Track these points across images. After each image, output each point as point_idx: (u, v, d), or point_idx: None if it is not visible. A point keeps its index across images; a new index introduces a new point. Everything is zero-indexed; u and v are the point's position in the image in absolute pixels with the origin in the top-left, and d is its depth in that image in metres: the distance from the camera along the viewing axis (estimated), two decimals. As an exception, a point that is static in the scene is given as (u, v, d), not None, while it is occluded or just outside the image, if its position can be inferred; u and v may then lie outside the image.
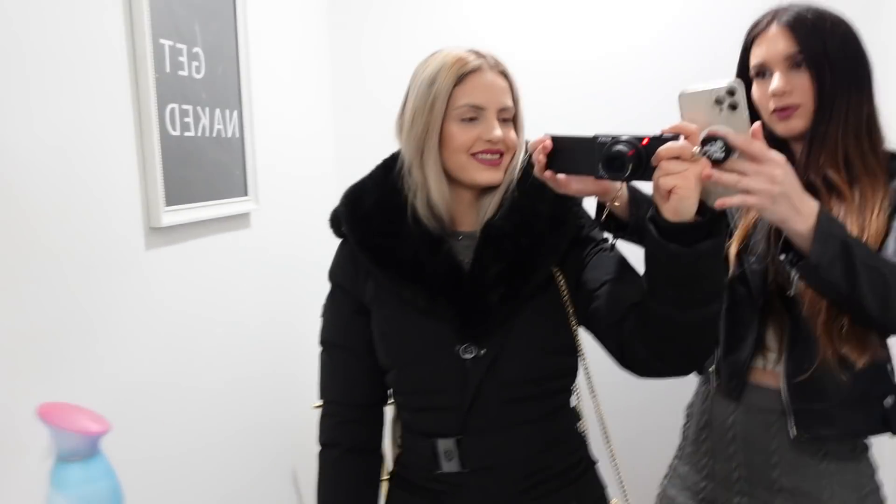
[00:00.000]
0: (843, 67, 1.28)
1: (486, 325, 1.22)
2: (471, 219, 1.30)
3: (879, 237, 1.23)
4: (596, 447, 1.38)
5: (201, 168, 1.61)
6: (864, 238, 1.21)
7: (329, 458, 1.37)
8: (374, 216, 1.28)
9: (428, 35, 2.41)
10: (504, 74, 1.26)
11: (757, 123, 1.05)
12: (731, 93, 1.03)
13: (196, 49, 1.60)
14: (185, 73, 1.56)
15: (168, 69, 1.50)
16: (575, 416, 1.37)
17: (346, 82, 2.50)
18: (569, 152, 1.12)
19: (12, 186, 1.16)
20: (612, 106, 2.36)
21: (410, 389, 1.30)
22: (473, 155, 1.23)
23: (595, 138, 1.07)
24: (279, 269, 2.04)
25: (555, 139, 1.14)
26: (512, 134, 1.26)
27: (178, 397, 1.58)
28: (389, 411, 1.42)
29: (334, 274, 1.38)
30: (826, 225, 1.10)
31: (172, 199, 1.51)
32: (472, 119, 1.22)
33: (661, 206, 1.01)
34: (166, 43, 1.49)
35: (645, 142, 1.02)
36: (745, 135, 1.04)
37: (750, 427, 1.38)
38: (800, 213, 1.08)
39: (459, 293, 1.22)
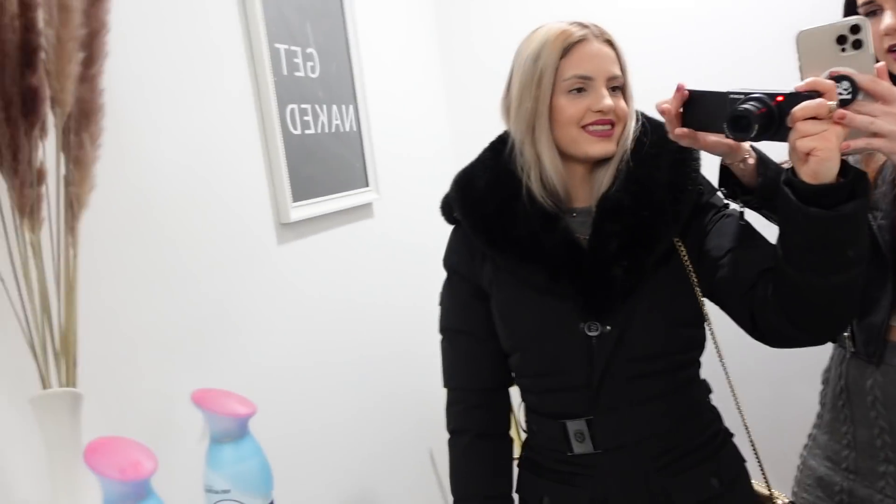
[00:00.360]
0: None
1: (611, 300, 1.19)
2: (585, 194, 1.27)
3: None
4: (729, 420, 1.33)
5: (323, 163, 1.67)
6: None
7: (459, 445, 1.36)
8: (487, 198, 1.27)
9: (538, 7, 2.35)
10: (610, 43, 1.23)
11: (882, 63, 0.98)
12: (855, 30, 0.96)
13: (310, 50, 1.65)
14: (301, 73, 1.62)
15: (285, 71, 1.56)
16: (706, 388, 1.33)
17: (456, 62, 2.49)
18: (700, 107, 1.05)
19: (158, 194, 1.27)
20: (719, 54, 2.23)
21: (535, 371, 1.28)
22: (584, 127, 1.21)
23: (727, 94, 1.00)
24: (402, 255, 2.09)
25: (690, 92, 1.07)
26: (622, 103, 1.23)
27: (314, 379, 1.66)
28: (515, 394, 1.39)
29: (449, 260, 1.37)
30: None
31: (298, 194, 1.58)
32: (580, 90, 1.20)
33: (799, 168, 0.95)
34: (281, 47, 1.56)
35: (779, 99, 0.95)
36: (871, 74, 0.96)
37: (891, 389, 1.27)
38: None
39: (580, 269, 1.20)
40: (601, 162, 1.24)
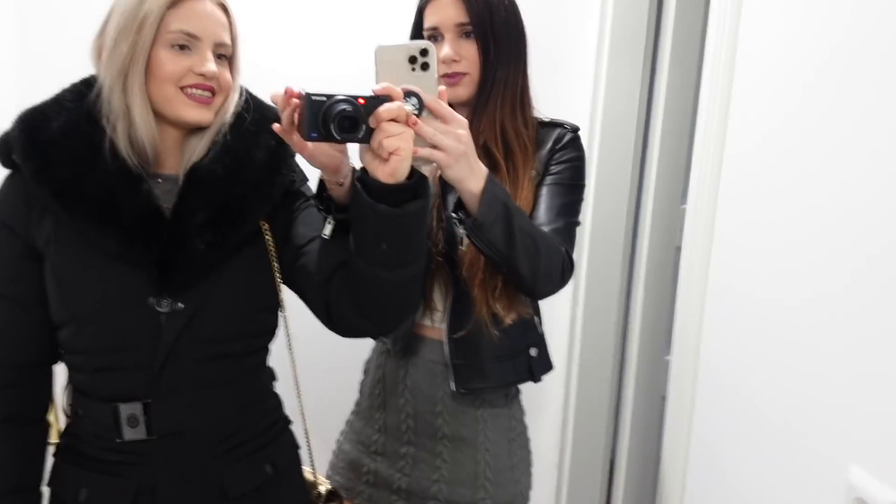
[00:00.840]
0: (506, 40, 1.35)
1: (188, 275, 1.12)
2: (174, 161, 1.18)
3: (529, 207, 1.33)
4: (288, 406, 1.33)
5: None
6: (528, 210, 1.32)
7: None
8: (60, 144, 1.11)
9: None
10: (224, 8, 1.16)
11: (443, 86, 1.08)
12: (423, 53, 1.05)
13: None
14: None
15: None
16: (271, 375, 1.31)
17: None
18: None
19: None
20: None
21: (91, 347, 1.14)
22: (182, 89, 1.12)
23: (309, 95, 0.99)
24: None
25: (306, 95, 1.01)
26: (227, 73, 1.17)
27: None
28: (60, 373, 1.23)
29: None
30: (492, 188, 1.17)
31: None
32: (183, 47, 1.11)
33: (376, 167, 0.99)
34: None
35: (361, 101, 0.99)
36: (435, 95, 1.06)
37: (419, 379, 1.45)
38: (474, 174, 1.14)
39: (160, 238, 1.11)
40: (196, 130, 1.17)
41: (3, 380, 1.17)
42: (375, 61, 1.05)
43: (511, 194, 1.27)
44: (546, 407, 2.12)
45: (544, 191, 1.35)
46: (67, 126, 1.12)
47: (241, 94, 1.20)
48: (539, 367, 1.45)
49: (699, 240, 1.47)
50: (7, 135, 1.13)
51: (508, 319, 1.36)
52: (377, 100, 0.99)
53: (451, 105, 1.29)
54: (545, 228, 1.30)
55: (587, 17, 2.00)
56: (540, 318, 1.49)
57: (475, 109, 1.35)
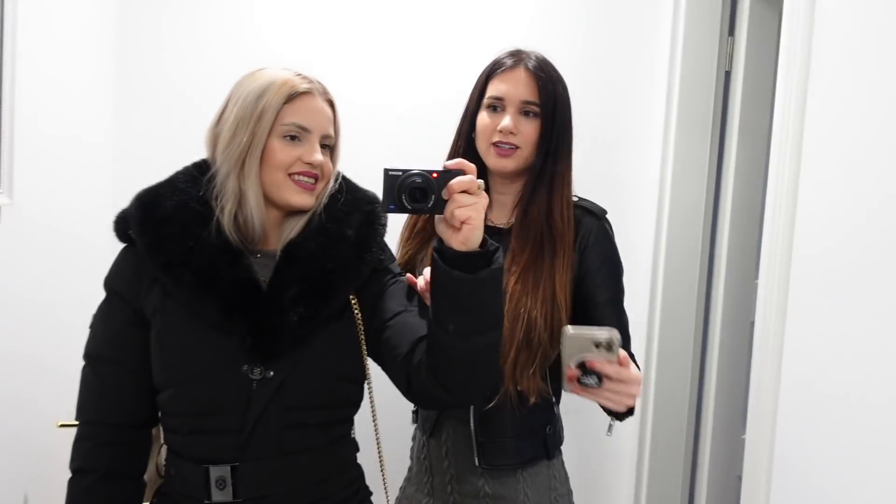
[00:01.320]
0: (563, 126, 1.42)
1: (280, 345, 1.18)
2: (274, 238, 1.27)
3: (565, 291, 1.40)
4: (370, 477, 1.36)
5: None
6: (562, 297, 1.39)
7: (80, 486, 1.23)
8: (172, 221, 1.21)
9: (220, 48, 2.09)
10: (331, 104, 1.27)
11: (624, 353, 1.17)
12: (609, 341, 1.16)
13: None
14: None
15: None
16: (354, 446, 1.34)
17: (131, 69, 2.13)
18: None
19: None
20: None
21: (187, 410, 1.21)
22: (290, 175, 1.22)
23: (386, 171, 1.07)
24: (34, 270, 1.74)
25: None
26: (328, 162, 1.26)
27: None
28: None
29: (111, 281, 1.26)
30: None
31: None
32: (294, 138, 1.21)
33: (450, 236, 1.05)
34: None
35: (435, 175, 1.06)
36: (615, 365, 1.16)
37: (458, 441, 1.47)
38: (634, 398, 1.22)
39: (255, 309, 1.18)
40: (296, 211, 1.25)
41: (103, 438, 1.23)
42: (562, 342, 1.16)
43: (550, 279, 1.38)
44: (617, 489, 2.07)
45: (604, 300, 1.41)
46: (179, 205, 1.21)
47: (336, 178, 1.29)
48: (553, 444, 1.49)
49: (772, 315, 1.45)
50: (125, 212, 1.23)
51: (533, 398, 1.40)
52: (450, 173, 1.05)
53: (488, 174, 1.45)
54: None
55: (653, 96, 2.05)
56: (559, 398, 1.51)
57: (535, 188, 1.41)
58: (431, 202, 1.05)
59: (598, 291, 1.41)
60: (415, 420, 1.60)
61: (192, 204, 1.22)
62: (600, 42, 2.06)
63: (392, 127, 2.17)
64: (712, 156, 2.04)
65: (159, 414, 1.26)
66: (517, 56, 1.42)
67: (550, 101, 1.39)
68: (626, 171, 2.01)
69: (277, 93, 1.20)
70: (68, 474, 1.24)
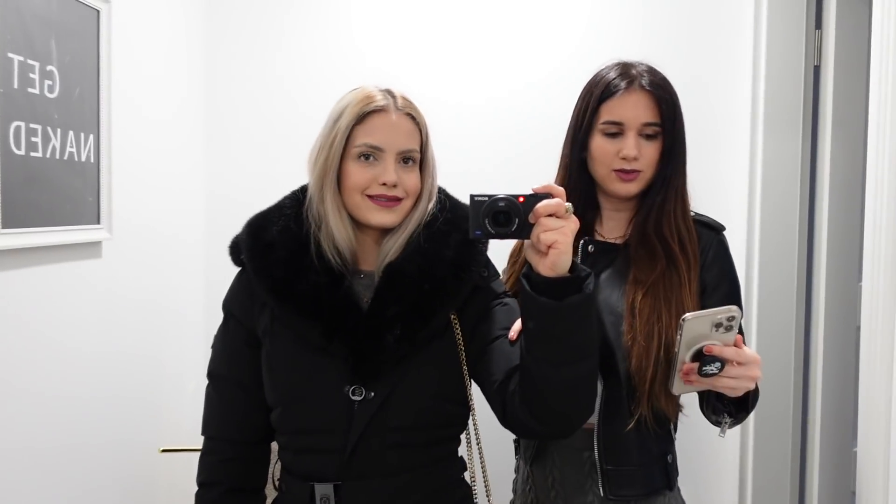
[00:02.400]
0: (682, 139, 1.37)
1: (379, 366, 1.19)
2: (373, 259, 1.27)
3: (695, 307, 1.33)
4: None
5: (48, 191, 1.45)
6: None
7: (206, 499, 1.29)
8: (277, 246, 1.24)
9: (308, 67, 2.10)
10: (412, 117, 1.24)
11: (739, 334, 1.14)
12: (731, 319, 1.11)
13: (50, 67, 1.44)
14: (35, 90, 1.39)
15: (16, 85, 1.34)
16: (461, 465, 1.34)
17: (221, 111, 2.19)
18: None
19: None
20: (505, 147, 2.18)
21: (294, 429, 1.25)
22: (370, 196, 1.21)
23: (472, 196, 1.06)
24: (132, 303, 1.81)
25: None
26: (412, 178, 1.24)
27: (13, 436, 1.40)
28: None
29: (228, 303, 1.32)
30: (753, 393, 1.22)
31: (11, 221, 1.33)
32: (368, 158, 1.21)
33: (538, 261, 1.03)
34: (15, 57, 1.34)
35: (521, 200, 1.05)
36: (733, 347, 1.13)
37: (566, 471, 1.41)
38: (754, 381, 1.17)
39: (356, 332, 1.19)
40: (392, 231, 1.25)
41: (226, 453, 1.29)
42: (681, 332, 1.12)
43: (679, 293, 1.32)
44: None
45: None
46: (284, 230, 1.25)
47: (436, 195, 1.28)
48: (674, 473, 1.40)
49: (879, 317, 1.36)
50: (237, 238, 1.29)
51: (673, 419, 1.36)
52: (537, 197, 1.03)
53: (598, 191, 1.41)
54: None
55: (738, 95, 1.98)
56: (676, 423, 1.43)
57: (651, 205, 1.36)
58: (516, 226, 1.04)
59: (719, 305, 1.28)
60: (517, 451, 1.56)
61: (295, 227, 1.25)
62: (680, 40, 2.01)
63: (473, 126, 2.16)
64: (805, 154, 1.95)
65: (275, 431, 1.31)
66: (627, 74, 1.35)
67: (670, 117, 1.34)
68: (714, 174, 1.94)
69: (350, 114, 1.20)
70: (171, 498, 1.28)
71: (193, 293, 2.00)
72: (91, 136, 1.57)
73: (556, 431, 1.22)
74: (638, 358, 1.29)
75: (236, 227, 1.29)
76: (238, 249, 1.28)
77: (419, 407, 1.21)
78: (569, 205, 1.03)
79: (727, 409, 1.24)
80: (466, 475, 1.33)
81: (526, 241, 1.05)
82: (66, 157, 1.48)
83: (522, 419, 1.13)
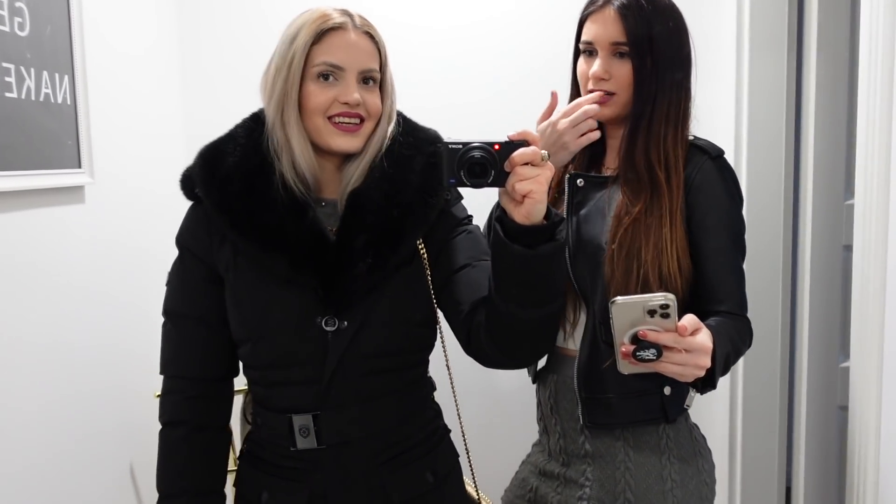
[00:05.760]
0: (667, 60, 1.30)
1: (351, 295, 1.18)
2: (335, 186, 1.25)
3: (683, 241, 1.28)
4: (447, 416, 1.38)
5: (24, 134, 1.39)
6: (673, 249, 1.27)
7: (171, 438, 1.28)
8: (234, 177, 1.20)
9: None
10: (371, 36, 1.21)
11: (686, 318, 1.08)
12: (664, 307, 1.05)
13: (19, 4, 1.37)
14: (5, 28, 1.32)
15: None
16: (431, 386, 1.36)
17: (195, 45, 2.14)
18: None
19: None
20: (469, 77, 2.20)
21: (267, 363, 1.23)
22: (330, 119, 1.18)
23: (446, 144, 1.04)
24: (117, 247, 1.79)
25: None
26: (374, 98, 1.21)
27: (2, 387, 1.38)
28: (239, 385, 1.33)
29: (183, 238, 1.28)
30: (717, 361, 1.14)
31: None
32: (327, 77, 1.17)
33: (512, 209, 1.03)
34: None
35: (496, 147, 1.03)
36: (672, 333, 1.06)
37: (561, 398, 1.41)
38: (703, 369, 1.11)
39: (324, 262, 1.18)
40: (352, 156, 1.23)
41: (190, 391, 1.27)
42: (612, 314, 1.06)
43: (659, 229, 1.26)
44: (711, 428, 2.04)
45: (710, 250, 1.28)
46: (241, 161, 1.21)
47: (395, 119, 1.25)
48: (673, 406, 1.35)
49: (872, 237, 1.38)
50: (189, 170, 1.24)
51: None
52: (512, 145, 1.02)
53: (599, 124, 1.36)
54: (735, 313, 1.26)
55: (723, 11, 1.96)
56: None
57: (636, 129, 1.30)
58: (491, 177, 1.02)
59: (704, 240, 1.29)
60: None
61: (253, 158, 1.21)
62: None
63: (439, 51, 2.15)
64: (790, 75, 1.94)
65: (242, 366, 1.29)
66: None
67: (643, 39, 1.27)
68: (700, 97, 1.92)
69: (306, 33, 1.16)
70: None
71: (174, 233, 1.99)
72: (66, 77, 1.51)
73: (518, 364, 1.25)
74: (615, 292, 1.25)
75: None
76: (191, 182, 1.23)
77: (391, 333, 1.21)
78: (545, 152, 1.01)
79: (690, 383, 1.20)
80: (435, 395, 1.35)
81: (500, 189, 1.04)
82: (41, 99, 1.42)
83: (487, 350, 1.16)
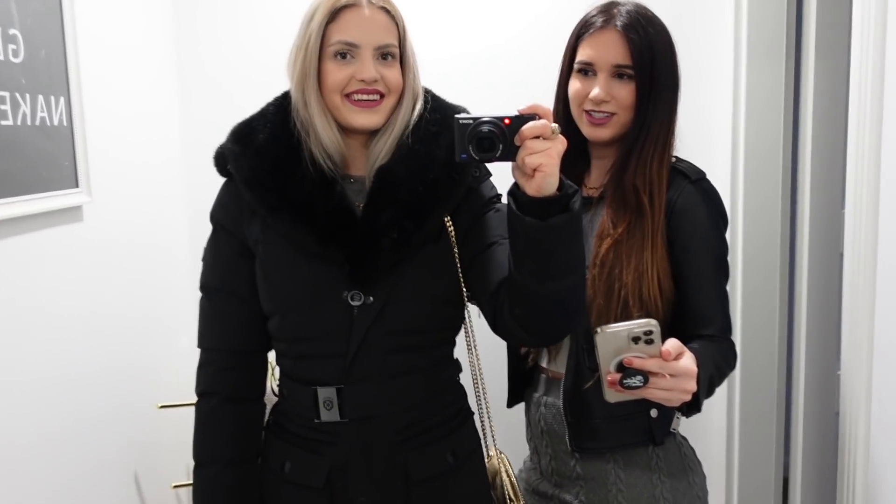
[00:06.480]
0: (663, 82, 1.30)
1: (376, 270, 1.20)
2: (362, 163, 1.26)
3: (663, 262, 1.28)
4: (472, 399, 1.38)
5: (22, 159, 1.41)
6: (654, 272, 1.27)
7: (206, 408, 1.31)
8: (265, 154, 1.22)
9: (280, 6, 2.07)
10: (387, 11, 1.21)
11: (669, 343, 1.07)
12: (648, 333, 1.06)
13: (13, 31, 1.38)
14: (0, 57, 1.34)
15: None
16: (457, 367, 1.36)
17: (192, 60, 2.14)
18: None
19: None
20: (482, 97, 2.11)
21: (293, 336, 1.27)
22: (349, 96, 1.19)
23: (457, 119, 1.05)
24: (117, 264, 1.80)
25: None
26: (393, 73, 1.21)
27: (10, 409, 1.40)
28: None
29: (216, 214, 1.31)
30: (702, 382, 1.13)
31: None
32: (343, 56, 1.18)
33: (524, 183, 1.03)
34: None
35: (507, 122, 1.03)
36: (657, 360, 1.06)
37: (549, 420, 1.41)
38: (689, 393, 1.10)
39: (351, 237, 1.19)
40: (379, 133, 1.24)
41: (223, 363, 1.30)
42: (596, 344, 1.06)
43: (641, 253, 1.26)
44: (710, 432, 2.04)
45: (694, 274, 1.27)
46: (271, 137, 1.23)
47: (423, 96, 1.25)
48: (660, 428, 1.34)
49: (862, 244, 1.38)
50: (222, 147, 1.26)
51: None
52: (523, 119, 1.01)
53: (583, 142, 1.35)
54: (719, 336, 1.26)
55: (721, 19, 1.95)
56: None
57: (629, 152, 1.30)
58: (500, 151, 1.02)
59: (687, 264, 1.28)
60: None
61: (282, 135, 1.22)
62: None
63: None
64: (788, 82, 1.93)
65: (272, 338, 1.32)
66: (608, 13, 1.30)
67: (646, 61, 1.27)
68: (697, 104, 1.93)
69: (321, 13, 1.17)
70: (172, 452, 1.30)
71: (178, 248, 1.99)
72: (62, 99, 1.52)
73: (543, 340, 1.26)
74: (598, 315, 1.27)
75: (216, 179, 1.28)
76: (224, 159, 1.26)
77: (417, 310, 1.23)
78: (555, 126, 1.01)
79: (678, 407, 1.22)
80: (461, 376, 1.35)
81: (513, 163, 1.04)
82: (37, 123, 1.44)
83: (511, 328, 1.15)
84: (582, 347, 1.30)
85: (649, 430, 1.33)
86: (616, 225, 1.28)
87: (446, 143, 1.20)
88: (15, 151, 1.38)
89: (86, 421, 1.64)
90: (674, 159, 1.34)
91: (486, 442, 1.38)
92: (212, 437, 1.30)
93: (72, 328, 1.59)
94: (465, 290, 1.26)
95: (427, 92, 1.27)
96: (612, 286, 1.26)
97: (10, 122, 1.36)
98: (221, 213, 1.29)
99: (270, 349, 1.34)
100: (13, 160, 1.37)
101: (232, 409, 1.30)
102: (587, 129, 1.33)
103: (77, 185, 1.58)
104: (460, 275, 1.24)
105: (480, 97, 2.09)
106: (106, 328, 1.73)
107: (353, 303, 1.20)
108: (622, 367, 1.05)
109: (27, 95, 1.41)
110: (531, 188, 1.01)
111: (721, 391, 2.01)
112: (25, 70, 1.41)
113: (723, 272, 1.31)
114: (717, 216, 1.32)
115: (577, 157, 1.35)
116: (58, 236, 1.55)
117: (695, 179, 1.31)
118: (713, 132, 1.98)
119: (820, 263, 1.92)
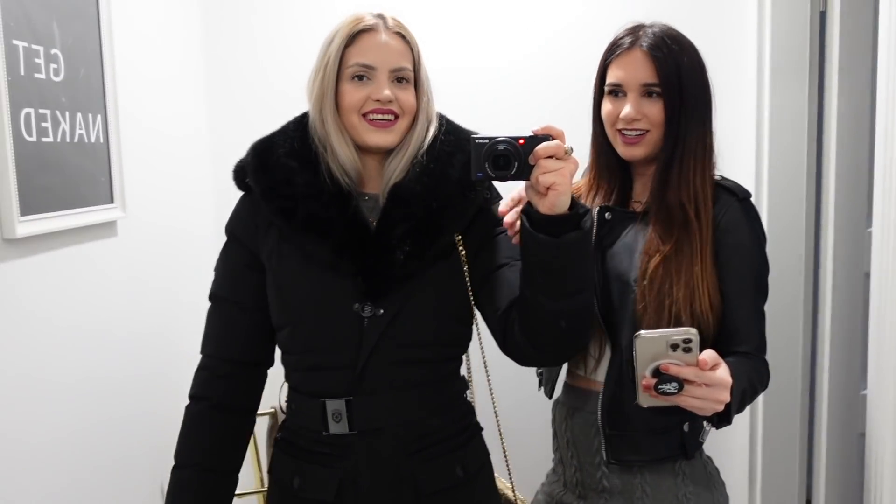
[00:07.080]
0: (693, 98, 1.32)
1: (388, 283, 1.23)
2: (377, 182, 1.30)
3: (711, 278, 1.29)
4: (482, 416, 1.40)
5: (62, 175, 1.45)
6: (705, 287, 1.28)
7: (192, 412, 1.33)
8: (284, 168, 1.26)
9: (306, 29, 2.13)
10: (402, 36, 1.26)
11: (706, 353, 1.09)
12: (687, 341, 1.07)
13: (54, 51, 1.44)
14: (41, 75, 1.39)
15: (22, 71, 1.33)
16: (464, 384, 1.38)
17: (221, 80, 2.21)
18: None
19: None
20: (501, 112, 2.19)
21: (304, 347, 1.29)
22: (365, 116, 1.23)
23: (474, 139, 1.09)
24: (149, 278, 1.85)
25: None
26: (407, 96, 1.25)
27: (43, 412, 1.43)
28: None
29: (231, 226, 1.35)
30: (735, 396, 1.15)
31: (28, 208, 1.34)
32: (361, 78, 1.23)
33: (538, 201, 1.07)
34: (20, 44, 1.33)
35: (521, 142, 1.07)
36: (694, 368, 1.08)
37: (577, 431, 1.42)
38: (722, 404, 1.12)
39: (365, 249, 1.23)
40: (394, 152, 1.27)
41: (217, 371, 1.33)
42: (635, 348, 1.08)
43: (690, 267, 1.27)
44: (732, 452, 2.03)
45: (733, 292, 1.29)
46: (291, 152, 1.27)
47: (437, 119, 1.30)
48: (692, 443, 1.36)
49: (889, 264, 1.38)
50: (242, 162, 1.31)
51: None
52: (536, 139, 1.06)
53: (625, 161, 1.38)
54: (752, 354, 1.28)
55: (744, 39, 1.97)
56: None
57: (667, 167, 1.32)
58: (515, 169, 1.06)
59: (727, 282, 1.29)
60: (540, 384, 1.55)
61: (302, 150, 1.27)
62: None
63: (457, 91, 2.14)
64: (812, 102, 1.94)
65: (280, 353, 1.34)
66: (634, 34, 1.33)
67: (673, 78, 1.30)
68: (720, 124, 1.93)
69: (340, 36, 1.22)
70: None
71: (207, 262, 2.03)
72: (99, 117, 1.57)
73: (551, 361, 1.31)
74: (648, 326, 1.26)
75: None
76: (243, 173, 1.30)
77: (426, 324, 1.25)
78: (569, 146, 1.05)
79: (707, 418, 1.22)
80: (468, 393, 1.38)
81: (525, 182, 1.08)
82: (76, 140, 1.48)
83: (521, 347, 1.19)
84: (626, 360, 1.30)
85: (682, 445, 1.35)
86: (664, 241, 1.30)
87: (460, 163, 1.25)
88: (55, 168, 1.42)
89: (114, 424, 1.66)
90: (718, 177, 1.36)
91: (505, 458, 1.38)
92: (192, 441, 1.32)
93: (104, 343, 1.63)
94: (474, 307, 1.29)
95: (441, 116, 1.32)
96: (663, 302, 1.27)
97: (50, 140, 1.40)
98: (236, 225, 1.33)
99: (270, 364, 1.37)
100: (53, 176, 1.41)
101: (218, 417, 1.32)
102: (622, 149, 1.35)
103: (112, 201, 1.63)
104: (469, 293, 1.27)
105: (496, 111, 2.16)
106: (137, 344, 1.77)
107: (363, 314, 1.22)
108: (658, 373, 1.07)
109: (66, 113, 1.46)
110: (544, 206, 1.06)
111: (744, 411, 2.01)
112: (65, 89, 1.45)
113: (762, 292, 1.33)
114: (760, 235, 1.35)
115: (621, 174, 1.39)
116: (93, 251, 1.60)
117: (742, 198, 1.34)
118: (736, 152, 1.98)
119: (844, 282, 1.92)
